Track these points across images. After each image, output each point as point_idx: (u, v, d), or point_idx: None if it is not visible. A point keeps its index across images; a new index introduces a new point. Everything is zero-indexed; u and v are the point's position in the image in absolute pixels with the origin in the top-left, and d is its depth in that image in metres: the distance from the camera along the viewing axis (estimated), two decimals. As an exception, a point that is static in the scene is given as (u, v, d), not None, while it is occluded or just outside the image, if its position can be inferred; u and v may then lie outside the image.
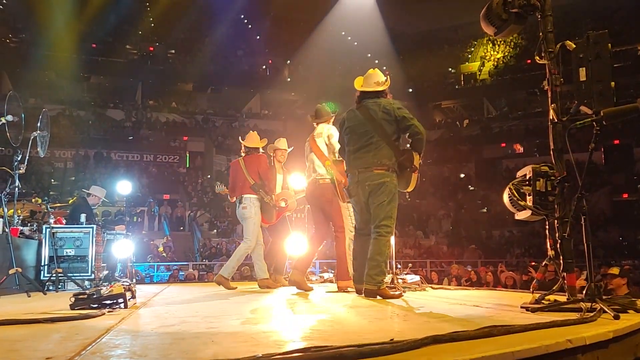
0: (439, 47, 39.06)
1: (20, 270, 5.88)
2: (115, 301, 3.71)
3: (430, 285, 6.75)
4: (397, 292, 4.75)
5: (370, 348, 1.89)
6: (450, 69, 36.93)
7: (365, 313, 3.59)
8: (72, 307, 3.58)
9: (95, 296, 3.63)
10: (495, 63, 35.29)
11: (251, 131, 7.21)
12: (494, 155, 29.89)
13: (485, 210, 25.39)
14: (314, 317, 3.51)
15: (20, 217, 8.36)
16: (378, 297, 4.44)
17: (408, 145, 4.79)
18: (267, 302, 4.68)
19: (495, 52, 36.22)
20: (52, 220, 8.32)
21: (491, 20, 4.00)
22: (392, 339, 2.03)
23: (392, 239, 5.17)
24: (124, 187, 10.05)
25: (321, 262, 13.81)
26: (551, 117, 3.60)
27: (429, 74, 37.08)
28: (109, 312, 3.51)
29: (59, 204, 10.25)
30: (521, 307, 3.41)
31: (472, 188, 28.14)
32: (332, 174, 5.60)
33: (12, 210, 8.16)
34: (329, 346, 1.91)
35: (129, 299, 3.95)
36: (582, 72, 3.56)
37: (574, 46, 3.62)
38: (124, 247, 8.80)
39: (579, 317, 2.77)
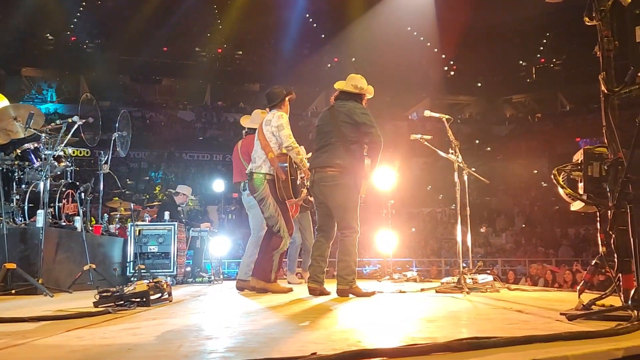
0: (510, 39, 37.82)
1: (94, 266, 5.97)
2: (140, 299, 3.69)
3: (506, 285, 6.26)
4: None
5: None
6: (521, 62, 35.65)
7: (362, 317, 3.27)
8: (96, 304, 3.57)
9: (118, 294, 3.67)
10: (570, 54, 33.77)
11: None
12: (569, 150, 28.58)
13: (557, 207, 24.36)
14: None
15: (117, 216, 8.64)
16: (350, 296, 4.55)
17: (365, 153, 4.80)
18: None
19: (570, 43, 34.66)
20: (147, 219, 8.57)
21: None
22: (314, 353, 1.74)
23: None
24: (218, 185, 10.37)
25: (398, 261, 13.60)
26: (602, 89, 2.92)
27: (499, 67, 36.01)
28: (115, 310, 3.41)
29: (154, 203, 10.62)
30: (561, 314, 2.90)
31: (545, 184, 27.08)
32: (273, 169, 5.18)
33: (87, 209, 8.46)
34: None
35: (159, 297, 3.98)
36: (639, 31, 2.99)
37: (629, 1, 2.93)
38: (213, 245, 9.01)
39: (611, 328, 2.23)
